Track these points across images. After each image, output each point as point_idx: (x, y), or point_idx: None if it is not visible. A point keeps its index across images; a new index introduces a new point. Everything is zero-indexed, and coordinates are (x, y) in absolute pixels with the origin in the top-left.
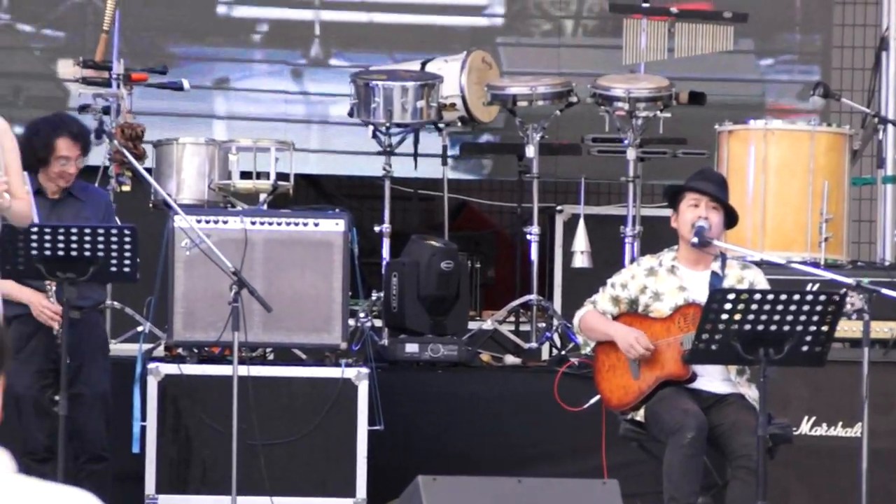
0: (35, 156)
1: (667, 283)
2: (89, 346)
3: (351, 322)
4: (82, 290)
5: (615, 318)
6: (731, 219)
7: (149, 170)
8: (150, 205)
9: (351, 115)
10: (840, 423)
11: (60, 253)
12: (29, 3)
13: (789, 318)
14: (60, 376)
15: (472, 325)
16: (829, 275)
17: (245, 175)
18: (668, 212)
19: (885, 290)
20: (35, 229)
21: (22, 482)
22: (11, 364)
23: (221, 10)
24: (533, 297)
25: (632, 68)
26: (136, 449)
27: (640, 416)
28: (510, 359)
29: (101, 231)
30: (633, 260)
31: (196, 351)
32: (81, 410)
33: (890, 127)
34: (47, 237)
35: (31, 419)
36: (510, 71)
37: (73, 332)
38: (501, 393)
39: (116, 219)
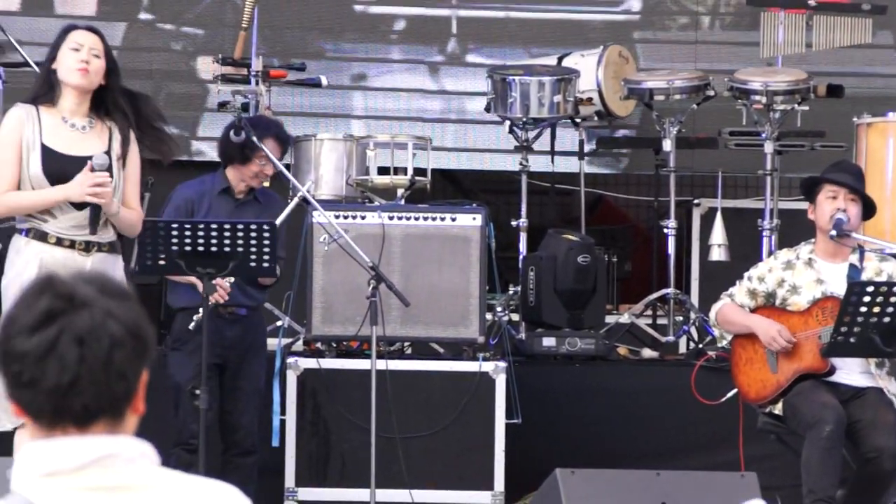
0: (240, 152)
1: (804, 276)
2: (252, 343)
3: (488, 316)
4: (248, 291)
5: (752, 311)
6: (868, 210)
7: (287, 166)
8: (289, 200)
9: (488, 110)
10: None
11: (200, 248)
12: (170, 2)
13: None
14: (202, 370)
15: (609, 319)
16: None
17: (382, 171)
18: (805, 205)
19: None
20: (175, 224)
21: (167, 475)
22: (154, 356)
23: (359, 7)
24: (670, 290)
25: (769, 62)
26: (275, 443)
27: (778, 409)
28: (647, 352)
29: (240, 227)
30: (770, 253)
31: (334, 345)
32: (237, 405)
33: None
34: (188, 232)
35: (188, 410)
36: (647, 66)
37: (236, 328)
38: (639, 386)
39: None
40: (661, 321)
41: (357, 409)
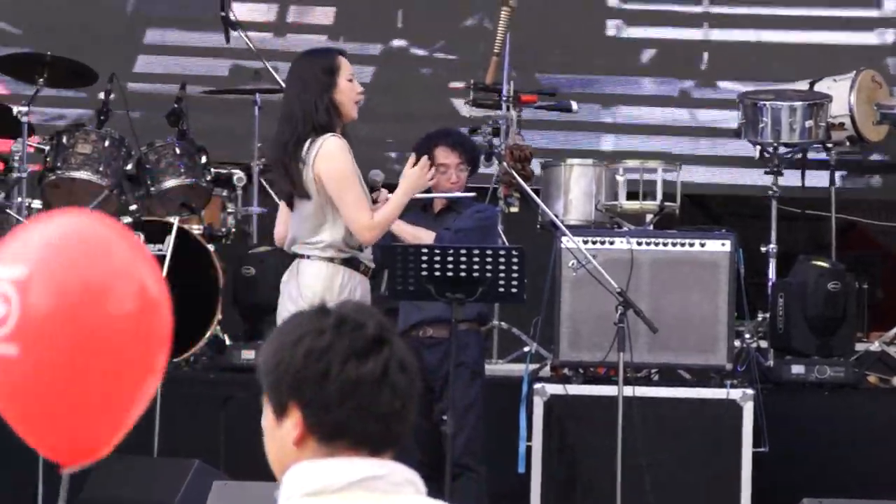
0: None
1: None
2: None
3: (736, 343)
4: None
5: None
6: None
7: (536, 191)
8: (538, 226)
9: (738, 135)
10: None
11: (450, 273)
12: (423, 28)
13: None
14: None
15: (860, 347)
16: None
17: (632, 196)
18: None
19: None
20: (425, 250)
21: None
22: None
23: (610, 31)
24: None
25: None
26: (521, 469)
27: None
28: None
29: (489, 252)
30: None
31: (581, 371)
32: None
33: None
34: (437, 257)
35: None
36: None
37: (435, 353)
38: (889, 415)
39: (502, 236)
40: None
41: (603, 435)
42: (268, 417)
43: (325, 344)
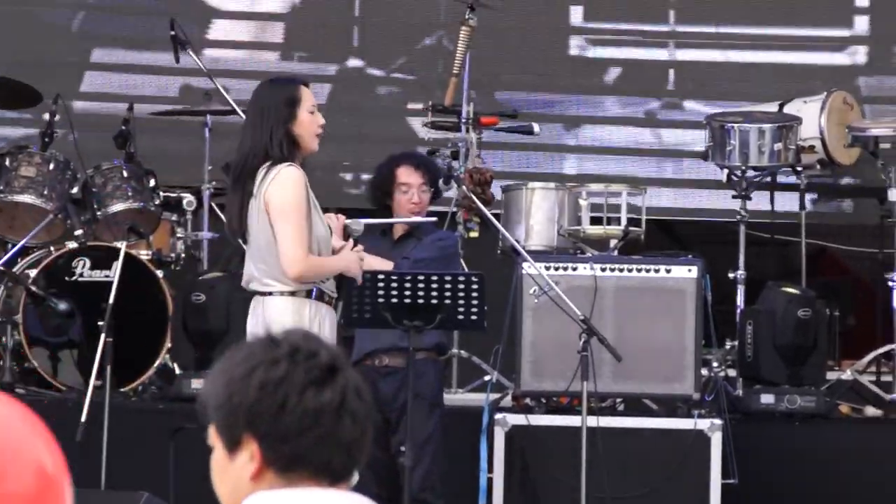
0: (379, 189)
1: None
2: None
3: (704, 372)
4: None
5: None
6: None
7: (497, 215)
8: (499, 251)
9: (705, 158)
10: None
11: (407, 300)
12: (380, 47)
13: None
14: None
15: (831, 375)
16: None
17: (595, 221)
18: None
19: None
20: (381, 276)
21: None
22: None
23: (574, 50)
24: (895, 346)
25: None
26: (482, 502)
27: None
28: (871, 410)
29: (447, 278)
30: None
31: (544, 401)
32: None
33: None
34: (394, 284)
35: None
36: (871, 113)
37: (391, 383)
38: (862, 447)
39: (463, 265)
40: (885, 378)
41: (567, 467)
42: (218, 453)
43: (280, 374)
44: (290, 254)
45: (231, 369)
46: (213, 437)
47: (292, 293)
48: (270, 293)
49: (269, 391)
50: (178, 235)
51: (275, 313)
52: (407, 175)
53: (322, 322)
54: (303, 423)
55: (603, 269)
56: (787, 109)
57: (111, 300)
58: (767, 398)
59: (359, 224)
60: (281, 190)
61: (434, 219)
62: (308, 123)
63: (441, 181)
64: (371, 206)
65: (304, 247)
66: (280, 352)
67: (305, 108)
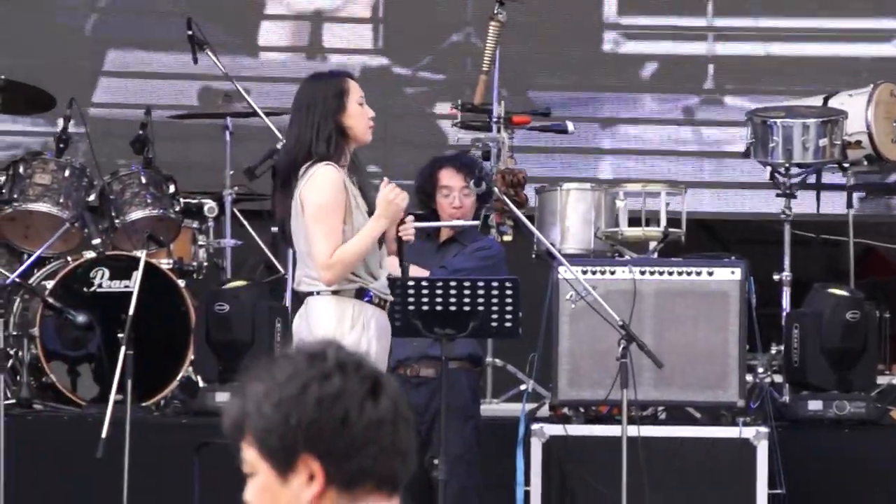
0: (423, 192)
1: None
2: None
3: (749, 378)
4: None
5: None
6: None
7: (531, 217)
8: (533, 255)
9: (747, 155)
10: None
11: (439, 308)
12: (406, 45)
13: None
14: (441, 438)
15: (881, 380)
16: None
17: (633, 222)
18: None
19: None
20: (412, 282)
21: None
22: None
23: (608, 46)
24: None
25: None
26: None
27: None
28: None
29: (480, 284)
30: None
31: (582, 410)
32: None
33: None
34: (425, 290)
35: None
36: None
37: (422, 392)
38: None
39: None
40: None
41: (606, 479)
42: (266, 479)
43: (336, 389)
44: (322, 258)
45: (278, 389)
46: (257, 463)
47: (335, 292)
48: (318, 293)
49: (328, 407)
50: (200, 243)
51: (316, 316)
52: (448, 178)
53: (367, 323)
54: (366, 437)
55: (642, 273)
56: (831, 103)
57: (131, 311)
58: (815, 404)
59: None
60: (316, 190)
61: (475, 223)
62: (358, 115)
63: (472, 183)
64: (418, 210)
65: (332, 247)
66: (328, 365)
67: (354, 100)
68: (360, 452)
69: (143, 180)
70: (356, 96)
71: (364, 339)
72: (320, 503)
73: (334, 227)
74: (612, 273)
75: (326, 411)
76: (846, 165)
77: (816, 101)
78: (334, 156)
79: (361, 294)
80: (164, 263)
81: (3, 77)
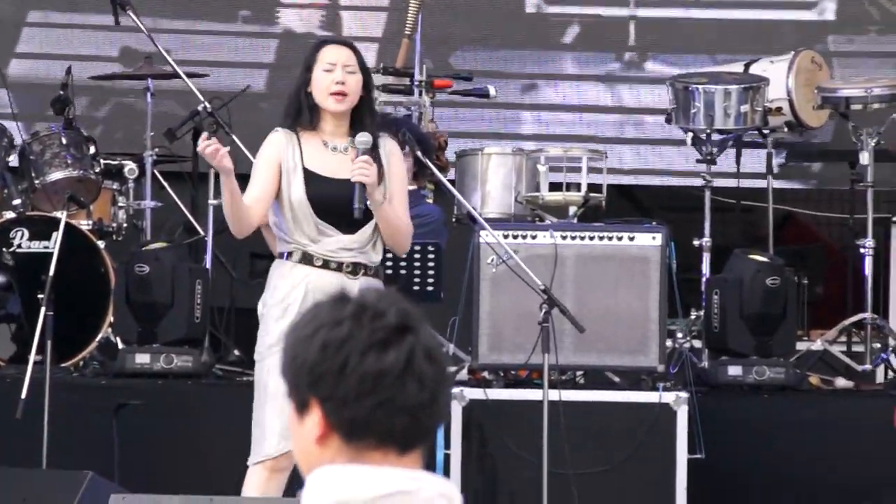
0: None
1: None
2: None
3: (668, 343)
4: None
5: None
6: None
7: (452, 181)
8: (454, 219)
9: (668, 121)
10: None
11: None
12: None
13: None
14: None
15: (800, 346)
16: None
17: (554, 186)
18: None
19: None
20: None
21: None
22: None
23: (530, 8)
24: (867, 315)
25: None
26: None
27: None
28: (841, 382)
29: None
30: None
31: (503, 374)
32: None
33: None
34: None
35: None
36: (841, 72)
37: None
38: (832, 419)
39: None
40: (856, 348)
41: (527, 442)
42: (292, 415)
43: (342, 335)
44: None
45: (297, 331)
46: (289, 400)
47: (279, 254)
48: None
49: (331, 352)
50: (120, 204)
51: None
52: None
53: (296, 286)
54: (362, 387)
55: (563, 237)
56: (752, 70)
57: (51, 272)
58: (735, 370)
59: (365, 136)
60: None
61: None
62: (318, 82)
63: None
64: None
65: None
66: (345, 312)
67: (320, 68)
68: (355, 402)
69: (64, 141)
70: (323, 63)
71: (292, 299)
72: (324, 448)
73: (252, 181)
74: (534, 237)
75: (328, 357)
76: (767, 132)
77: (738, 67)
78: (300, 123)
79: (309, 258)
80: (84, 224)
81: None
